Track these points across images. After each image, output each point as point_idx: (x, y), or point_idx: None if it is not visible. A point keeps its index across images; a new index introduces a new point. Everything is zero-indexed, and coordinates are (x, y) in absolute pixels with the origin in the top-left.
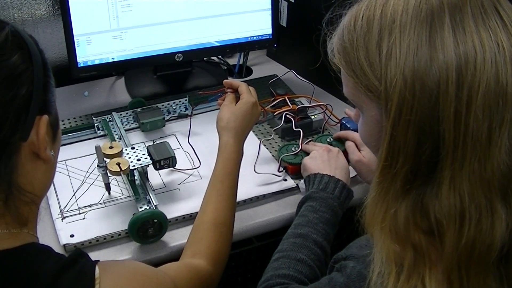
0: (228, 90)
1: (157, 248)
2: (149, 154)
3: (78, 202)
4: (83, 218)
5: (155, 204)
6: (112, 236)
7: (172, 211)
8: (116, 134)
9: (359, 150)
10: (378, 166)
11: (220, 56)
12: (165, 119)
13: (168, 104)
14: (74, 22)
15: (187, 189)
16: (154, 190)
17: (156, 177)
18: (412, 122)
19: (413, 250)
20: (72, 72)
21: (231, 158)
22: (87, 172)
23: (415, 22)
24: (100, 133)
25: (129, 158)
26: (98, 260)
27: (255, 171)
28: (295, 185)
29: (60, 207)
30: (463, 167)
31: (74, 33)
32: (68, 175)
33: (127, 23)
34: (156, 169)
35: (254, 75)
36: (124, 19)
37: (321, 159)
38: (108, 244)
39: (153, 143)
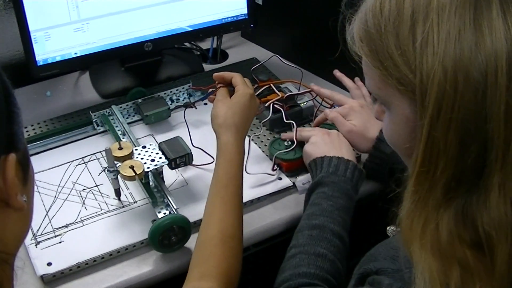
0: (219, 84)
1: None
2: (163, 153)
3: (52, 223)
4: (60, 242)
5: (175, 208)
6: (95, 261)
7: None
8: (119, 130)
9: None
10: (412, 172)
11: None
12: (170, 109)
13: (171, 91)
14: (29, 16)
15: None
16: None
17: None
18: (454, 121)
19: (459, 268)
20: (31, 72)
21: (233, 159)
22: (58, 186)
23: (456, 2)
24: (73, 138)
25: (142, 159)
26: None
27: (247, 172)
28: (292, 184)
29: (32, 231)
30: None
31: (30, 29)
32: (38, 191)
33: (89, 13)
34: (172, 168)
35: (230, 59)
36: (85, 9)
37: (323, 142)
38: (91, 269)
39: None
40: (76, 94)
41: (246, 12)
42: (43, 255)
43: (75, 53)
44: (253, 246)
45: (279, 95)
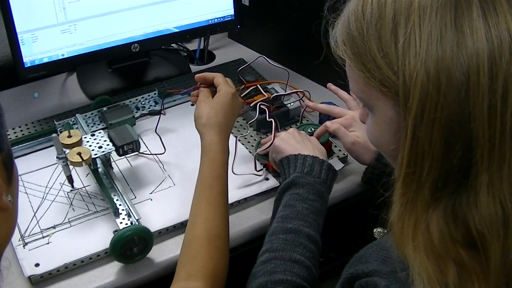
0: (201, 85)
1: (144, 265)
2: (111, 140)
3: (40, 224)
4: (48, 243)
5: (137, 218)
6: (83, 261)
7: (150, 224)
8: None
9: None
10: (399, 174)
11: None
12: (135, 117)
13: (136, 99)
14: (16, 18)
15: (160, 198)
16: (132, 200)
17: (124, 186)
18: (437, 121)
19: (456, 267)
20: (18, 74)
21: (217, 159)
22: (46, 187)
23: (436, 3)
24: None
25: (90, 146)
26: None
27: (233, 173)
28: (279, 184)
29: (20, 232)
30: (501, 169)
31: (17, 30)
32: (26, 192)
33: (76, 14)
34: (120, 155)
35: (217, 60)
36: (72, 11)
37: (294, 139)
38: (79, 270)
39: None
40: (63, 95)
41: (232, 13)
42: (30, 256)
43: (62, 55)
44: (241, 247)
45: (265, 96)
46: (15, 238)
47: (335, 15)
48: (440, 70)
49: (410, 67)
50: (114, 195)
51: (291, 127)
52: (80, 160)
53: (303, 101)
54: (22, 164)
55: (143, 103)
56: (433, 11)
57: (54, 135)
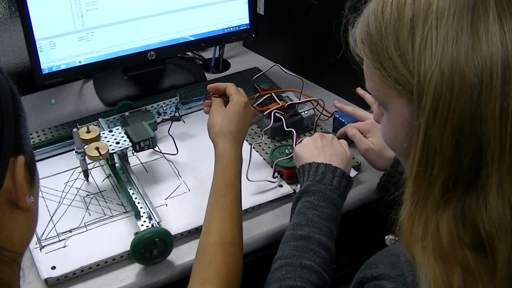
0: (214, 95)
1: (162, 269)
2: (128, 136)
3: (56, 228)
4: (64, 246)
5: (158, 221)
6: (98, 265)
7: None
8: None
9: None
10: (410, 173)
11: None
12: (157, 122)
13: (158, 105)
14: (34, 25)
15: (175, 204)
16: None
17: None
18: (449, 121)
19: (461, 269)
20: (36, 80)
21: (231, 167)
22: (63, 191)
23: (454, 6)
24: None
25: (108, 141)
26: None
27: (248, 179)
28: (292, 191)
29: (37, 235)
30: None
31: (36, 37)
32: (43, 197)
33: (93, 22)
34: (136, 151)
35: (232, 69)
36: (90, 19)
37: (314, 145)
38: (94, 273)
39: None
40: (80, 102)
41: (247, 22)
42: (47, 259)
43: (80, 62)
44: (254, 253)
45: (279, 104)
46: (32, 241)
47: (355, 14)
48: (454, 71)
49: (425, 67)
50: (135, 197)
51: (305, 135)
52: (98, 154)
53: (317, 110)
54: (39, 169)
55: (164, 108)
56: (451, 14)
57: (74, 129)
